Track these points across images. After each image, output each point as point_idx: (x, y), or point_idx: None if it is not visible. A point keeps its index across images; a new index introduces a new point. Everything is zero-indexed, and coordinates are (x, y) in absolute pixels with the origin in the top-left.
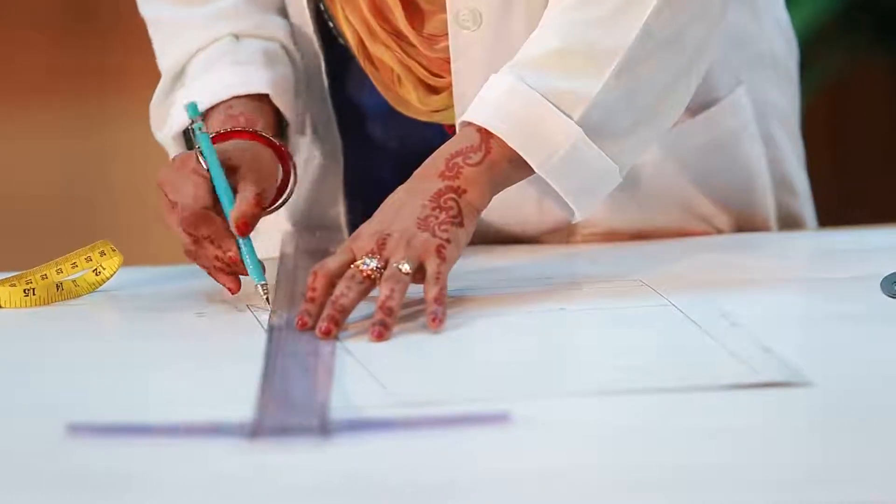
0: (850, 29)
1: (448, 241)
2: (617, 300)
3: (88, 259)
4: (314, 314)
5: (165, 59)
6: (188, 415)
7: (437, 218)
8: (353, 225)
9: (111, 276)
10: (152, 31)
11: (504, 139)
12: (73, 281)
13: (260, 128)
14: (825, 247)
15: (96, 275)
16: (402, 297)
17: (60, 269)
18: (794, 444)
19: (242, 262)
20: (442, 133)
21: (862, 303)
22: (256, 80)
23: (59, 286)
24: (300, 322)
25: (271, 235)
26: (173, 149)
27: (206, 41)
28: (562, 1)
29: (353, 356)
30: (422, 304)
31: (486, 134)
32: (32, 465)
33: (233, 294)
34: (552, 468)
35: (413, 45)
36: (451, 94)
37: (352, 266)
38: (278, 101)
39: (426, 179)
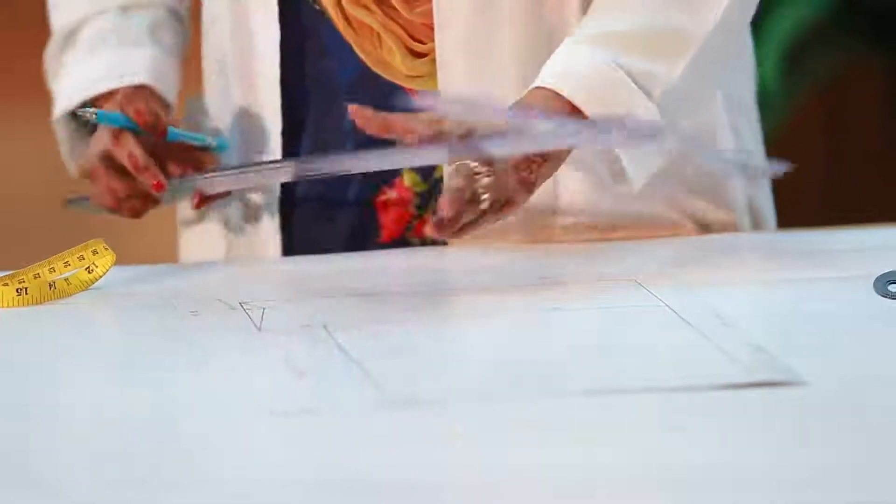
0: (843, 29)
1: (517, 203)
2: (610, 300)
3: (81, 258)
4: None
5: (57, 19)
6: (182, 413)
7: (530, 169)
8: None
9: (104, 274)
10: None
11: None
12: (66, 279)
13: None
14: (818, 246)
15: (89, 273)
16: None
17: (53, 267)
18: (787, 443)
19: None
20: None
21: (855, 302)
22: (140, 68)
23: (51, 285)
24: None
25: (209, 230)
26: (57, 127)
27: (92, 11)
28: None
29: (347, 354)
30: (415, 296)
31: (575, 109)
32: (29, 465)
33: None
34: (548, 467)
35: (394, 8)
36: (433, 60)
37: (469, 169)
38: (159, 89)
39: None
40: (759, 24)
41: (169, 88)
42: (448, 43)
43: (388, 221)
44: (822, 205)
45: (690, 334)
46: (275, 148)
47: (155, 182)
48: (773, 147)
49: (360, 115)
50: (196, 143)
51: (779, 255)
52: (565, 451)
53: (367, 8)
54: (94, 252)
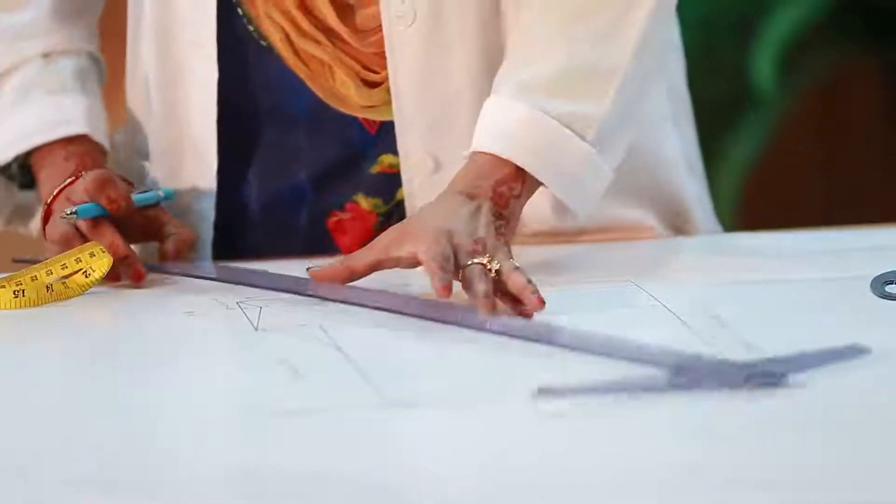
0: (839, 29)
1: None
2: (607, 300)
3: (78, 260)
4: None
5: None
6: (180, 413)
7: (501, 233)
8: (230, 231)
9: (101, 277)
10: None
11: (538, 177)
12: (63, 282)
13: (103, 164)
14: (815, 247)
15: (86, 276)
16: None
17: (50, 270)
18: (782, 444)
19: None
20: (364, 134)
21: (852, 303)
22: (75, 117)
23: (49, 288)
24: (447, 289)
25: None
26: None
27: (14, 61)
28: (549, 9)
29: (344, 354)
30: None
31: (518, 168)
32: (28, 466)
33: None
34: (547, 468)
35: (345, 41)
36: (387, 88)
37: (475, 263)
38: (97, 138)
39: (478, 197)
40: (756, 25)
41: (103, 136)
42: (401, 70)
43: (347, 241)
44: (818, 205)
45: (686, 335)
46: (209, 184)
47: (133, 271)
48: (771, 147)
49: (321, 275)
50: (151, 202)
51: (774, 256)
52: (563, 452)
53: (316, 41)
54: (92, 255)
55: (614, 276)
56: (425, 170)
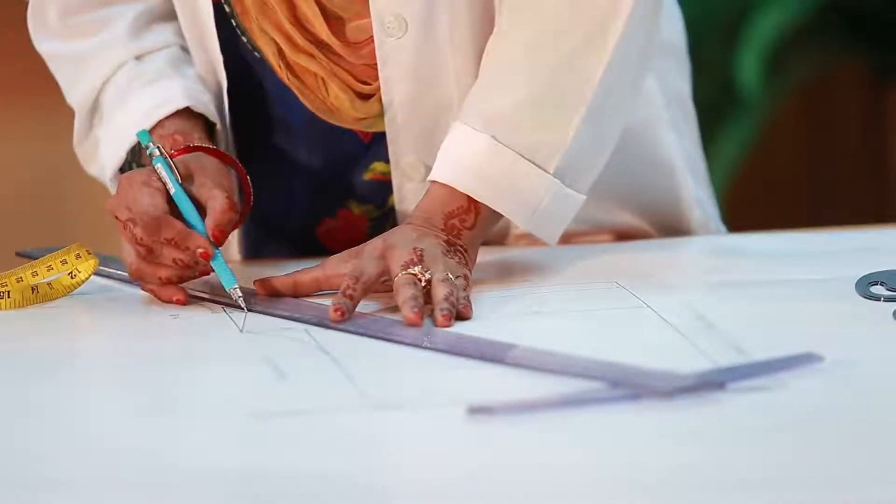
0: (821, 32)
1: (467, 276)
2: (593, 302)
3: (64, 262)
4: (351, 309)
5: (74, 96)
6: (165, 414)
7: (457, 254)
8: (252, 244)
9: (87, 279)
10: (54, 68)
11: (495, 209)
12: (49, 284)
13: (196, 138)
14: (799, 248)
15: (71, 278)
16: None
17: (36, 271)
18: (769, 445)
19: (207, 262)
20: (358, 143)
21: (837, 304)
22: (173, 96)
23: (34, 289)
24: (339, 312)
25: None
26: (112, 187)
27: (109, 71)
28: (517, 31)
29: (329, 356)
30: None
31: (472, 198)
32: (24, 464)
33: (182, 305)
34: (537, 468)
35: (337, 54)
36: (379, 99)
37: (404, 273)
38: (200, 109)
39: (429, 227)
40: (740, 29)
41: (205, 107)
42: (392, 81)
43: (339, 246)
44: (803, 206)
45: (672, 336)
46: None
47: (203, 251)
48: (756, 149)
49: (267, 286)
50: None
51: (760, 257)
52: (554, 455)
53: (310, 54)
54: (78, 257)
55: (600, 278)
56: (416, 176)
